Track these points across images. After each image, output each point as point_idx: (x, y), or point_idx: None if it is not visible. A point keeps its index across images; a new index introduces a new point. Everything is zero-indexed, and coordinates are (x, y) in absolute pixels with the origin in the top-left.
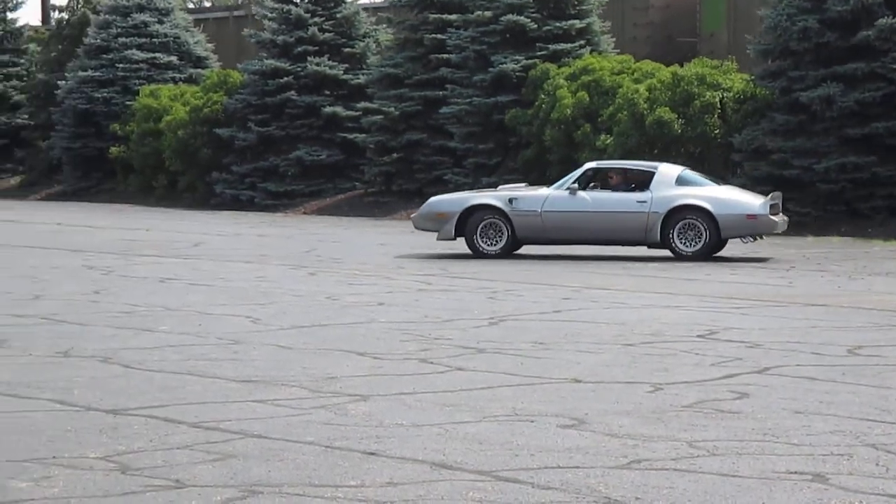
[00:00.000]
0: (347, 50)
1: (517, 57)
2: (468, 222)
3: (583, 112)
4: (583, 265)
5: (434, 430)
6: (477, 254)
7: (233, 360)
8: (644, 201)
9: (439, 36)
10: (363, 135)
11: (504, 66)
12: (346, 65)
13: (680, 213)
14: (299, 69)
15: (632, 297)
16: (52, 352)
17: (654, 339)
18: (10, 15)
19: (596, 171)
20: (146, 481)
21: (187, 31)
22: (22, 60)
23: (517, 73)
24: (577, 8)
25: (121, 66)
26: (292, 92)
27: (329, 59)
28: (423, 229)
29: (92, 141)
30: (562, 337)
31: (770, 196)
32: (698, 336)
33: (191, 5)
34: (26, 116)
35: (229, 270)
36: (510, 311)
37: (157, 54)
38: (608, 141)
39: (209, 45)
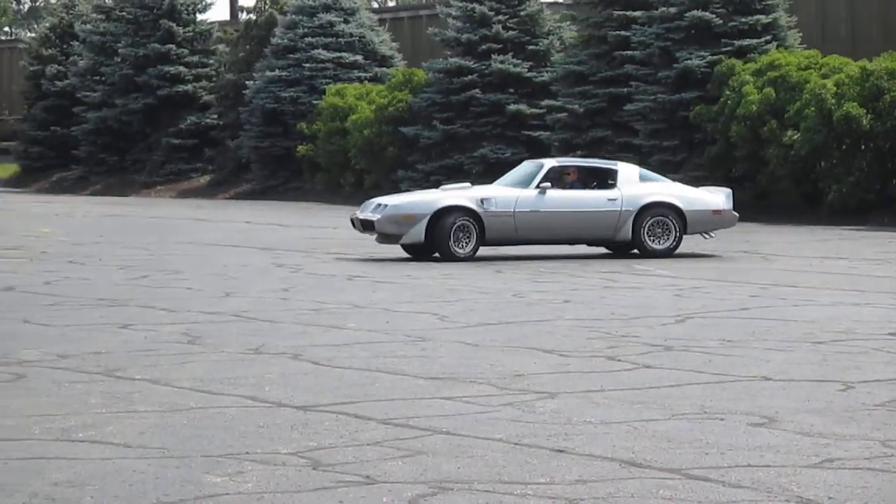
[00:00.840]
0: (531, 48)
1: (702, 53)
2: (439, 224)
3: (769, 108)
4: (769, 262)
5: (622, 428)
6: (448, 258)
7: (420, 357)
8: (614, 199)
9: (623, 33)
10: (547, 132)
11: (689, 62)
12: (530, 62)
13: (650, 210)
14: (483, 67)
15: (820, 295)
16: (244, 349)
17: (845, 337)
18: (199, 16)
19: (559, 169)
20: (337, 477)
21: (372, 30)
22: (211, 61)
23: (702, 70)
24: (763, 3)
25: (307, 65)
26: (476, 90)
27: (513, 57)
28: (385, 233)
29: (279, 140)
30: (750, 334)
31: (728, 191)
32: (889, 334)
33: (375, 4)
34: (215, 116)
35: (415, 268)
36: (697, 308)
37: (343, 54)
38: (794, 137)
39: (394, 43)
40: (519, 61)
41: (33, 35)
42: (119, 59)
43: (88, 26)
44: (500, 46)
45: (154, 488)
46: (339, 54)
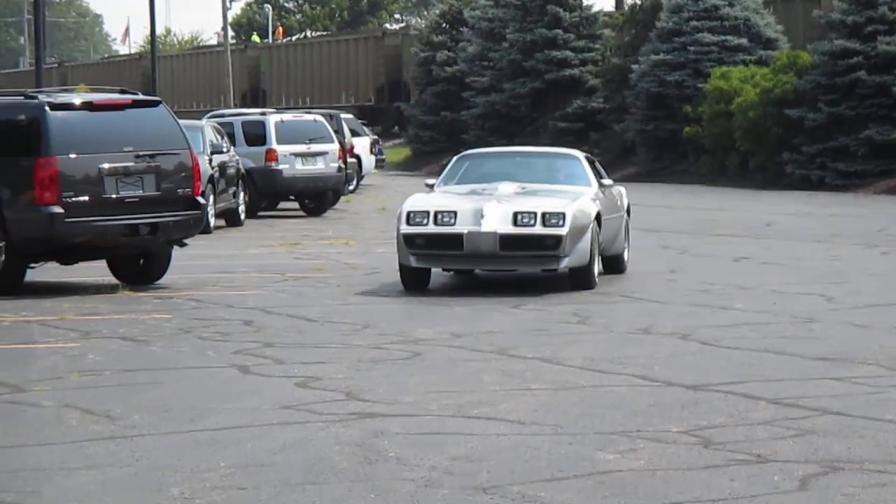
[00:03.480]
0: None
1: None
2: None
3: None
4: None
5: None
6: (589, 284)
7: (808, 337)
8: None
9: None
10: None
11: None
12: None
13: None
14: (869, 49)
15: None
16: (633, 328)
17: None
18: (585, 2)
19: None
20: (728, 455)
21: (757, 13)
22: (597, 46)
23: None
24: None
25: (692, 48)
26: (862, 72)
27: None
28: (568, 254)
29: (664, 123)
30: None
31: None
32: None
33: None
34: (601, 100)
35: (801, 250)
36: None
37: (728, 37)
38: None
39: (778, 26)
40: None
41: (424, 22)
42: (507, 45)
43: (477, 12)
44: (885, 28)
45: (548, 464)
46: (723, 37)
